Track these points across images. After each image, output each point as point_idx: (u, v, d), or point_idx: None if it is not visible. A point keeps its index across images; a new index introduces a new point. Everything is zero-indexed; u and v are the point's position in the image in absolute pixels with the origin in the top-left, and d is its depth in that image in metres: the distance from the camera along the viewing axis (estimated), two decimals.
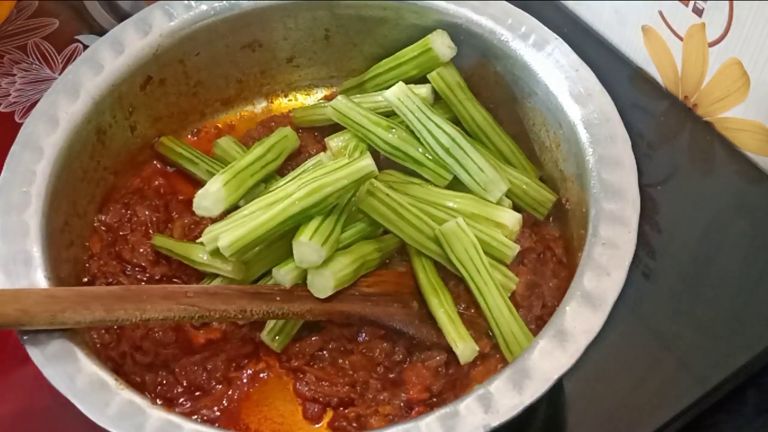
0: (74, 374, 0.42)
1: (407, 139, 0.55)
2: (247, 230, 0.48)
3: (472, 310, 0.50)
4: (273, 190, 0.50)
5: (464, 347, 0.47)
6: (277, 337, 0.50)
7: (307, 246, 0.47)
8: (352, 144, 0.55)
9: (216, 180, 0.52)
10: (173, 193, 0.58)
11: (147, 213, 0.55)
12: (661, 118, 0.68)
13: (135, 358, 0.50)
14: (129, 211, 0.56)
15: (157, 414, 0.40)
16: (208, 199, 0.51)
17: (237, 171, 0.53)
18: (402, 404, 0.48)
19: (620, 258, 0.44)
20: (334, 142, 0.57)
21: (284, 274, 0.49)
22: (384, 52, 0.60)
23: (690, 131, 0.66)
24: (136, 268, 0.53)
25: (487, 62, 0.57)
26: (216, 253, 0.49)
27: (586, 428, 0.53)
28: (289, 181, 0.52)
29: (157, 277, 0.53)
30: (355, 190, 0.49)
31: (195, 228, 0.54)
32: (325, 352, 0.51)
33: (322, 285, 0.47)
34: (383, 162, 0.55)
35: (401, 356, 0.50)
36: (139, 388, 0.48)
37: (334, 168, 0.49)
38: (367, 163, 0.48)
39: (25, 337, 0.43)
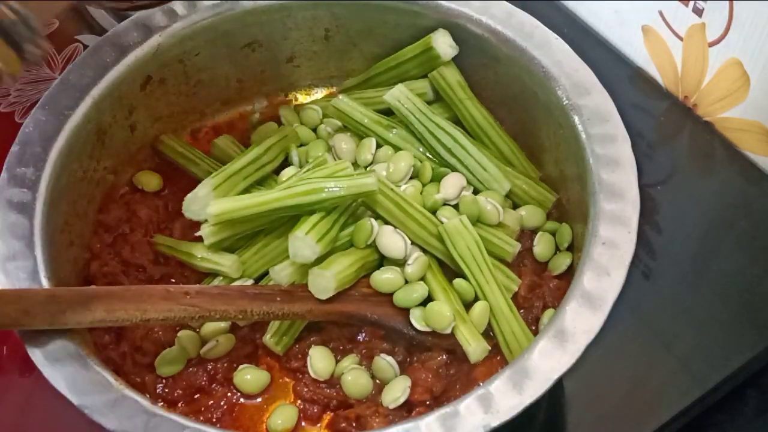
0: (74, 374, 0.42)
1: (408, 139, 0.55)
2: (239, 204, 0.48)
3: None
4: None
5: (476, 346, 0.47)
6: (279, 341, 0.50)
7: (302, 241, 0.47)
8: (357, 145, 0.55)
9: (206, 184, 0.52)
10: (173, 193, 0.58)
11: (147, 213, 0.55)
12: (661, 118, 0.68)
13: (135, 359, 0.50)
14: (129, 211, 0.55)
15: (157, 414, 0.40)
16: (197, 203, 0.51)
17: (228, 175, 0.52)
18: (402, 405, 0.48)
19: (620, 258, 0.44)
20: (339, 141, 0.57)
21: (279, 271, 0.49)
22: (384, 52, 0.60)
23: (690, 131, 0.66)
24: (137, 269, 0.53)
25: (487, 62, 0.57)
26: (212, 245, 0.50)
27: (586, 428, 0.53)
28: (291, 176, 0.53)
29: (157, 277, 0.53)
30: (352, 201, 0.50)
31: (195, 228, 0.54)
32: None
33: (323, 286, 0.47)
34: None
35: (401, 357, 0.50)
36: (139, 388, 0.48)
37: (336, 173, 0.49)
38: (371, 181, 0.48)
39: (25, 337, 0.43)
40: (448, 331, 0.48)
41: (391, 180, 0.53)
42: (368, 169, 0.55)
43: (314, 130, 0.60)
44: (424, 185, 0.54)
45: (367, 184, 0.48)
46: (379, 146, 0.56)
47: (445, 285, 0.50)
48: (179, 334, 0.50)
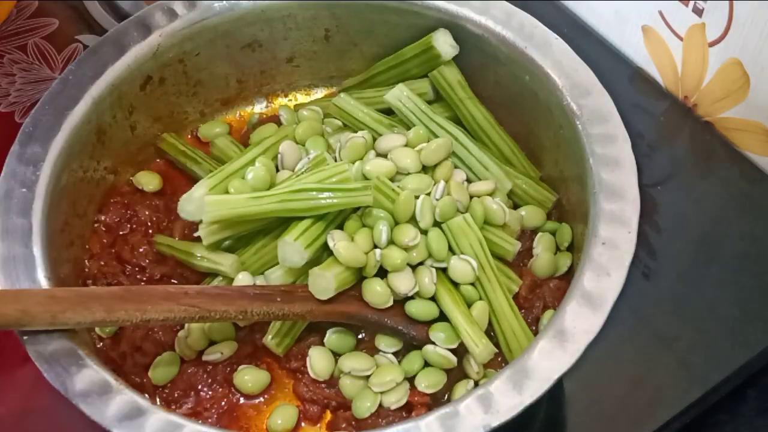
0: (74, 374, 0.42)
1: None
2: (232, 199, 0.49)
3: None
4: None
5: (483, 348, 0.47)
6: (281, 342, 0.50)
7: (291, 246, 0.47)
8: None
9: (201, 185, 0.52)
10: (173, 193, 0.58)
11: (147, 213, 0.55)
12: (661, 118, 0.68)
13: (135, 359, 0.50)
14: (129, 211, 0.55)
15: (157, 414, 0.40)
16: (192, 204, 0.51)
17: (225, 176, 0.52)
18: (402, 405, 0.48)
19: (620, 258, 0.44)
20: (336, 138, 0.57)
21: (270, 274, 0.50)
22: (384, 52, 0.60)
23: (690, 131, 0.66)
24: (136, 268, 0.53)
25: (487, 63, 0.57)
26: (211, 245, 0.51)
27: (586, 428, 0.53)
28: (291, 177, 0.53)
29: (157, 277, 0.53)
30: (348, 209, 0.50)
31: (195, 228, 0.54)
32: None
33: (324, 287, 0.47)
34: None
35: (401, 356, 0.50)
36: (139, 388, 0.48)
37: (334, 176, 0.49)
38: (366, 198, 0.48)
39: (25, 337, 0.43)
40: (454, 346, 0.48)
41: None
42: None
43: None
44: None
45: (363, 200, 0.48)
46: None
47: (450, 286, 0.50)
48: (179, 335, 0.50)
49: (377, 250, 0.48)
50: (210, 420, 0.48)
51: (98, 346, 0.50)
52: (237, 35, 0.58)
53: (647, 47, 0.68)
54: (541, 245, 0.53)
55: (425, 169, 0.53)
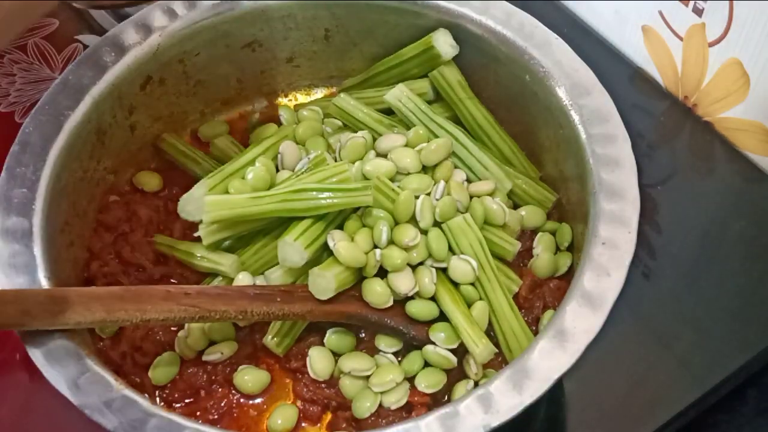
0: (74, 374, 0.42)
1: None
2: (232, 200, 0.48)
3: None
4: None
5: (483, 348, 0.47)
6: (281, 342, 0.50)
7: (291, 246, 0.47)
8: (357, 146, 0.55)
9: (201, 185, 0.52)
10: (173, 193, 0.58)
11: (147, 213, 0.55)
12: (661, 118, 0.68)
13: (135, 359, 0.50)
14: (129, 211, 0.55)
15: (157, 414, 0.40)
16: (192, 204, 0.51)
17: (225, 176, 0.52)
18: (402, 405, 0.48)
19: (620, 258, 0.44)
20: (336, 139, 0.57)
21: (270, 274, 0.50)
22: (384, 52, 0.60)
23: (690, 131, 0.66)
24: (137, 269, 0.53)
25: (487, 63, 0.57)
26: (211, 245, 0.51)
27: (586, 428, 0.53)
28: (291, 177, 0.53)
29: (157, 277, 0.53)
30: (348, 209, 0.50)
31: (195, 228, 0.54)
32: None
33: (324, 287, 0.47)
34: None
35: (401, 357, 0.50)
36: (139, 388, 0.48)
37: (334, 176, 0.49)
38: (367, 198, 0.49)
39: (25, 337, 0.43)
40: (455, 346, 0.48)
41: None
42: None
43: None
44: None
45: (363, 200, 0.49)
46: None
47: (450, 286, 0.50)
48: (179, 335, 0.50)
49: (377, 250, 0.49)
50: (210, 420, 0.48)
51: (98, 346, 0.50)
52: (237, 35, 0.58)
53: (647, 47, 0.68)
54: (541, 245, 0.53)
55: (425, 169, 0.53)
